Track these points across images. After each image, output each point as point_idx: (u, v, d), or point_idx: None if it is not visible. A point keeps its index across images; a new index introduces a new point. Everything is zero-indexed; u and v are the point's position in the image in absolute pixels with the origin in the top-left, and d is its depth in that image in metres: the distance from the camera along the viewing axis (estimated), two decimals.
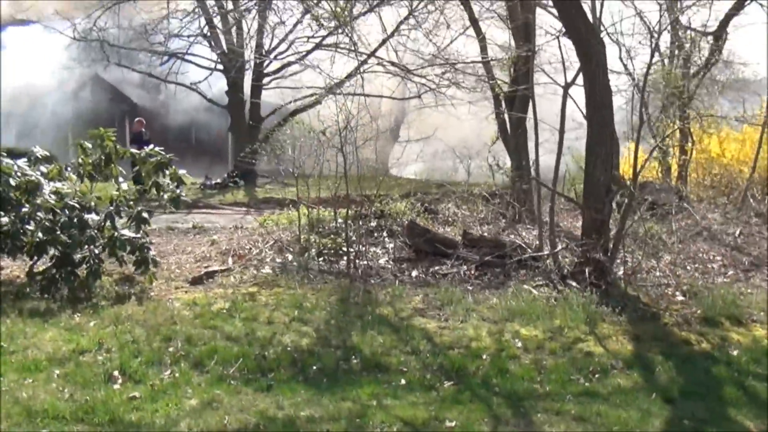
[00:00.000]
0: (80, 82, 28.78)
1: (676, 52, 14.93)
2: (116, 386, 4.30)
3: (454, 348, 5.26)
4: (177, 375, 4.57)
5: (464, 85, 14.48)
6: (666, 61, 15.36)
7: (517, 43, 10.96)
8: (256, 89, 21.60)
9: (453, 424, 3.81)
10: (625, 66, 14.55)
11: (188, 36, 21.34)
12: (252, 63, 20.37)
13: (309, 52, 19.57)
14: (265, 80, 21.45)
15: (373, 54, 16.36)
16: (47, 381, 4.28)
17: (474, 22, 12.87)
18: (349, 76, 16.65)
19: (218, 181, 19.41)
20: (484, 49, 12.69)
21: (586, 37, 6.38)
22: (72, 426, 3.64)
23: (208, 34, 20.05)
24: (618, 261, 7.11)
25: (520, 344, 5.38)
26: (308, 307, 6.17)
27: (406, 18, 14.92)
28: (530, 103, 9.85)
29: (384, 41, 16.50)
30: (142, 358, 4.81)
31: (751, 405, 4.30)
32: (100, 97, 29.54)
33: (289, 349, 5.13)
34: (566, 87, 7.50)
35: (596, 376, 4.74)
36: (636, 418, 3.96)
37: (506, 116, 11.80)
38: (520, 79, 10.77)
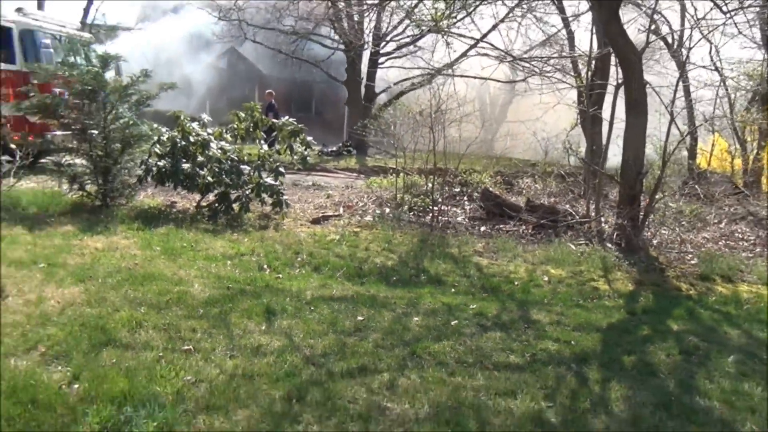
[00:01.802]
0: (218, 54, 32.33)
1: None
2: (266, 273, 6.68)
3: (495, 276, 7.27)
4: (303, 272, 6.90)
5: (555, 77, 16.03)
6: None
7: (598, 45, 12.53)
8: (372, 68, 24.00)
9: (474, 306, 5.87)
10: (714, 64, 15.66)
11: (315, 18, 23.92)
12: (370, 45, 22.60)
13: (421, 36, 21.68)
14: (380, 60, 23.79)
15: (477, 43, 18.25)
16: (224, 266, 6.71)
17: (566, 22, 14.49)
18: (455, 62, 18.73)
19: (333, 149, 22.04)
20: (572, 46, 14.30)
21: (624, 51, 8.06)
22: (243, 287, 5.99)
23: (333, 17, 22.38)
24: (647, 229, 8.79)
25: (546, 278, 7.30)
26: (395, 242, 8.37)
27: (508, 14, 16.58)
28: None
29: (488, 32, 18.34)
30: (280, 261, 7.18)
31: (690, 321, 6.03)
32: (235, 68, 32.99)
33: (378, 265, 7.34)
34: (617, 87, 9.16)
35: (592, 300, 6.60)
36: (597, 318, 5.84)
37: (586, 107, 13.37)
38: (598, 75, 12.37)
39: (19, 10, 13.68)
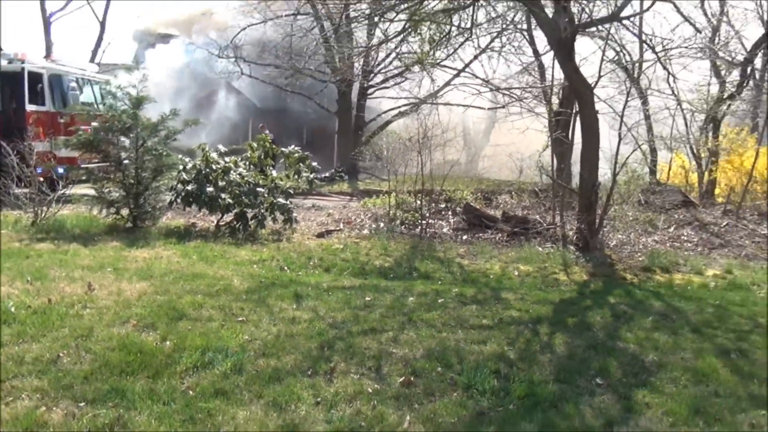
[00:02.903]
0: (213, 89, 34.01)
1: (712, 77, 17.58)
2: (287, 272, 8.19)
3: (474, 272, 8.81)
4: (316, 272, 8.42)
5: (529, 105, 17.82)
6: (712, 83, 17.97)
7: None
8: (362, 100, 25.73)
9: (456, 290, 7.41)
10: (672, 89, 17.42)
11: (307, 54, 25.63)
12: (359, 78, 24.30)
13: (407, 68, 23.44)
14: (369, 91, 25.53)
15: (459, 73, 20.08)
16: (252, 268, 8.21)
17: (537, 54, 16.31)
18: (438, 91, 20.48)
19: (326, 175, 23.63)
20: (543, 76, 16.08)
21: (577, 84, 9.74)
22: (272, 281, 7.48)
23: (326, 56, 24.08)
24: (603, 233, 10.39)
25: (516, 273, 8.86)
26: (391, 249, 9.91)
27: (487, 47, 18.33)
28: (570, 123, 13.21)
29: (469, 63, 20.17)
30: (296, 264, 8.70)
31: (625, 298, 7.58)
32: (230, 102, 34.62)
33: (377, 266, 8.88)
34: (574, 114, 10.84)
35: (552, 287, 8.15)
36: (553, 296, 7.39)
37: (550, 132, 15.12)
38: (565, 103, 14.11)
39: (47, 57, 15.29)
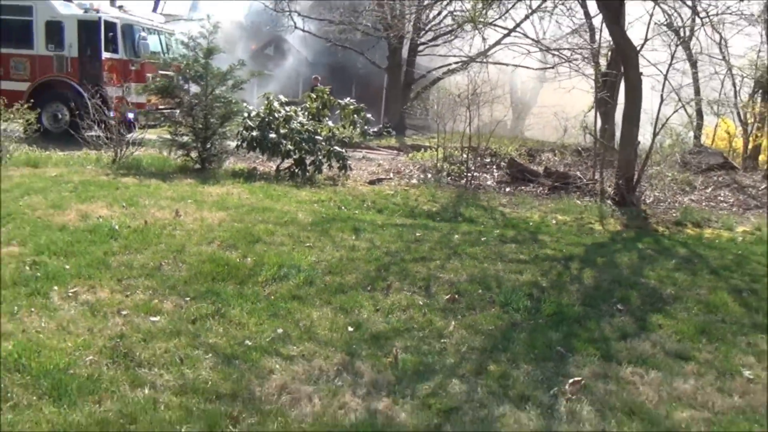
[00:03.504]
0: (266, 41, 34.83)
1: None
2: (344, 210, 9.06)
3: (515, 219, 9.54)
4: (370, 212, 9.26)
5: (577, 65, 18.11)
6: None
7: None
8: (412, 56, 26.20)
9: (497, 232, 8.18)
10: (722, 54, 17.58)
11: (360, 11, 26.13)
12: (410, 34, 24.74)
13: (459, 27, 23.79)
14: (420, 48, 25.97)
15: (510, 33, 20.43)
16: (312, 206, 9.09)
17: (588, 17, 16.60)
18: (487, 50, 20.87)
19: (375, 129, 24.33)
20: (592, 38, 16.37)
21: (623, 47, 10.21)
22: (332, 217, 8.36)
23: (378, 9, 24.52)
24: (639, 190, 10.94)
25: (554, 221, 9.55)
26: (438, 196, 10.70)
27: (534, 11, 18.63)
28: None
29: (520, 22, 20.47)
30: (352, 205, 9.56)
31: (653, 245, 8.23)
32: (282, 54, 35.38)
33: (425, 210, 9.68)
34: (620, 75, 11.31)
35: (586, 234, 8.83)
36: (586, 240, 8.10)
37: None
38: (612, 65, 14.48)
39: (120, 7, 16.26)
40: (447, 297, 5.68)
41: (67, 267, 5.65)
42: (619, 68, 14.30)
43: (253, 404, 3.75)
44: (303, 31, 27.53)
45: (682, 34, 17.36)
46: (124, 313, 4.86)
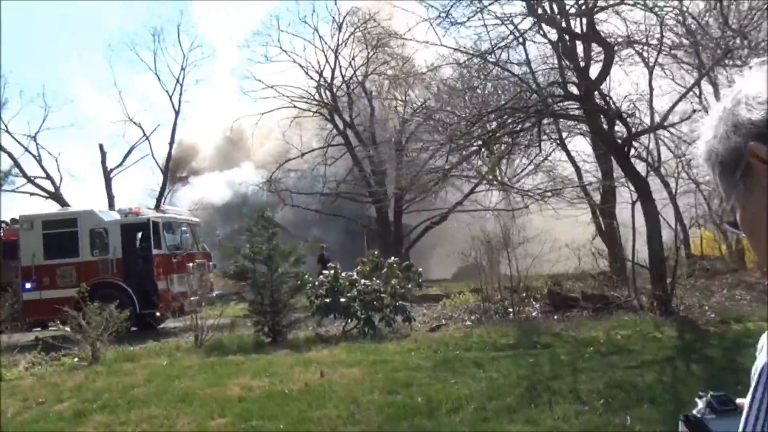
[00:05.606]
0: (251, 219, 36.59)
1: None
2: (440, 353, 10.12)
3: (587, 339, 10.77)
4: (457, 352, 10.35)
5: (566, 197, 20.28)
6: None
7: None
8: (398, 217, 28.33)
9: (591, 349, 9.38)
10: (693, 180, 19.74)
11: (344, 180, 28.50)
12: (393, 197, 26.90)
13: (437, 183, 26.15)
14: (404, 207, 28.18)
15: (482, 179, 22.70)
16: (409, 355, 10.13)
17: (572, 159, 19.00)
18: (464, 199, 22.96)
19: None
20: (579, 176, 18.67)
21: (635, 180, 12.18)
22: (440, 359, 9.39)
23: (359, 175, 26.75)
24: (675, 299, 12.43)
25: (619, 336, 10.82)
26: (504, 331, 11.90)
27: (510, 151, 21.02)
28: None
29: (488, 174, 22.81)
30: (442, 348, 10.64)
31: (718, 339, 9.54)
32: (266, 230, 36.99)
33: (504, 343, 10.84)
34: (633, 203, 13.22)
35: (657, 341, 10.11)
36: (667, 344, 9.35)
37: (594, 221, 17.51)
38: (608, 196, 16.59)
39: (157, 207, 17.81)
40: (601, 401, 6.78)
41: (282, 426, 6.56)
42: (614, 200, 16.43)
43: None
44: (292, 206, 29.51)
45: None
46: None
